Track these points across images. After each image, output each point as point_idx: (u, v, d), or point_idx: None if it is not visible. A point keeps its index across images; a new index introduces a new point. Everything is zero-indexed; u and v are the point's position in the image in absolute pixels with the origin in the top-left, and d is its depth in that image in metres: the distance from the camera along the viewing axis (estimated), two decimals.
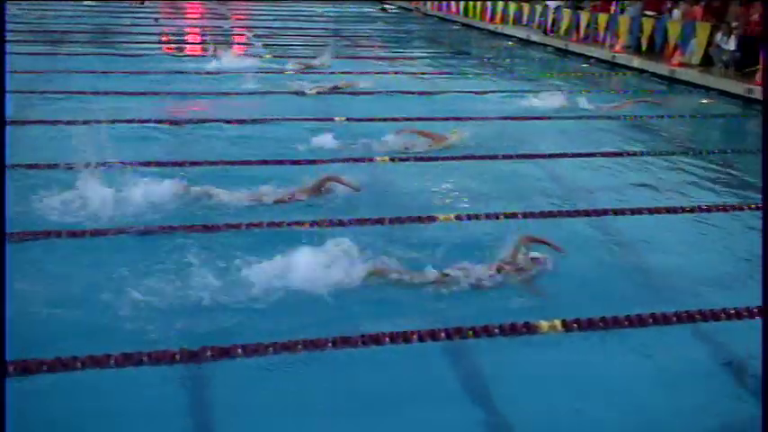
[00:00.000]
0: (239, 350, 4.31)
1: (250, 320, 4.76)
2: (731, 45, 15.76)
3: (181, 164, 7.93)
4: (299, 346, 4.36)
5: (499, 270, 5.36)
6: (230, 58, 15.92)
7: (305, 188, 7.15)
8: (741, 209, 7.34)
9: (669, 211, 7.19)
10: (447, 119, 10.88)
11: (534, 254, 5.62)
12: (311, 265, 5.26)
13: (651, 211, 7.13)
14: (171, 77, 13.79)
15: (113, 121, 9.40)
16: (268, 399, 4.05)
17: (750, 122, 12.73)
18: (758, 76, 14.28)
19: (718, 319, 4.93)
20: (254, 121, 10.33)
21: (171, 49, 19.96)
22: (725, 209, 7.36)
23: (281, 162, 8.23)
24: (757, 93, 13.71)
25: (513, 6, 26.34)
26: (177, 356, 4.25)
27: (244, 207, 6.76)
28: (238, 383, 4.20)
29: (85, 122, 8.94)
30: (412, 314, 4.92)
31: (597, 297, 5.29)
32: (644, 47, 18.53)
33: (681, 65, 16.48)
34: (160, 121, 10.10)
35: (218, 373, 4.25)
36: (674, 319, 4.87)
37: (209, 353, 4.27)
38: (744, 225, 6.99)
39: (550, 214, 6.87)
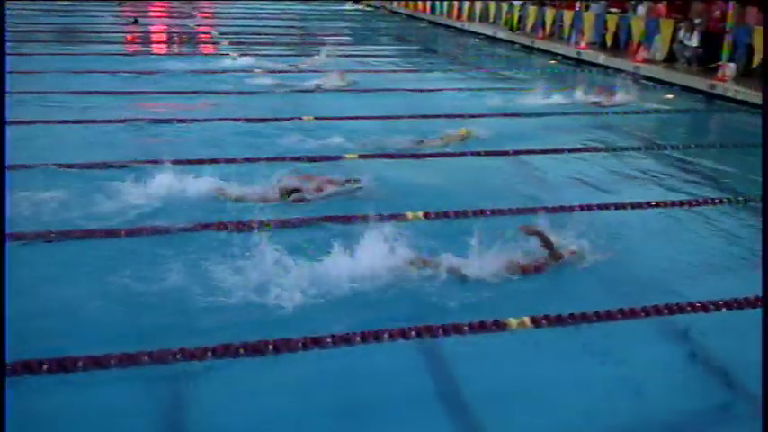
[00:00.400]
0: (209, 353, 4.28)
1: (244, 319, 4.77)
2: (694, 41, 15.98)
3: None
4: (270, 347, 4.35)
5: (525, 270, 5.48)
6: (203, 58, 15.93)
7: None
8: (706, 203, 7.44)
9: (635, 206, 7.26)
10: (417, 117, 10.98)
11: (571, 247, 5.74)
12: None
13: (617, 206, 7.21)
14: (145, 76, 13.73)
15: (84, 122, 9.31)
16: (238, 400, 4.03)
17: (713, 117, 12.93)
18: (720, 72, 14.50)
19: (684, 311, 4.99)
20: (221, 120, 10.29)
21: (137, 47, 19.79)
22: (690, 204, 7.44)
23: (257, 160, 8.21)
24: (720, 89, 13.92)
25: (479, 4, 26.48)
26: (146, 358, 4.22)
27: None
28: (206, 385, 4.17)
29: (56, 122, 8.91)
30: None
31: (566, 292, 5.32)
32: (609, 43, 18.73)
33: (645, 61, 16.68)
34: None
35: (185, 374, 4.23)
36: (642, 313, 4.93)
37: (178, 355, 4.25)
38: (709, 220, 7.07)
39: (519, 211, 6.90)
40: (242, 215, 6.39)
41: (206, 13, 30.00)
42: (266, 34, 22.48)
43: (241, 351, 4.33)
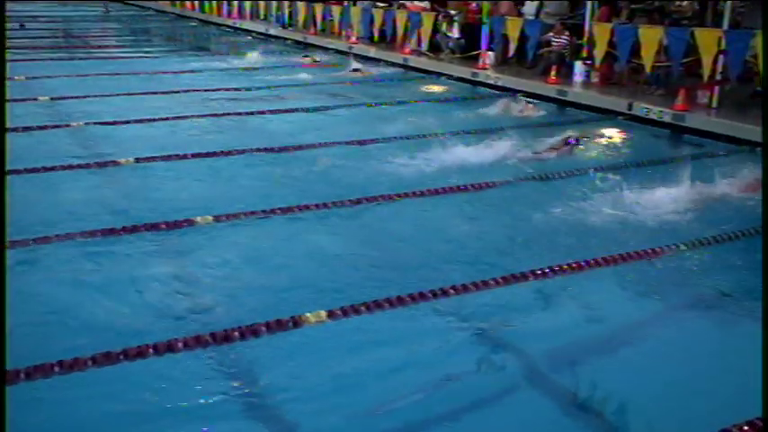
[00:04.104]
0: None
1: None
2: (455, 33, 16.94)
3: None
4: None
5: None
6: None
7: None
8: (485, 187, 7.84)
9: (416, 194, 7.51)
10: (194, 116, 10.83)
11: None
12: None
13: (400, 196, 7.44)
14: None
15: None
16: None
17: (476, 103, 13.68)
18: (481, 60, 15.51)
19: (458, 293, 5.23)
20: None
21: None
22: (477, 187, 7.80)
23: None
24: (482, 76, 14.89)
25: (248, 4, 26.37)
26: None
27: None
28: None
29: None
30: None
31: (356, 283, 5.48)
32: (376, 37, 19.32)
33: (412, 52, 17.43)
34: None
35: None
36: (418, 297, 5.13)
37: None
38: (486, 203, 7.49)
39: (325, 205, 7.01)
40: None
41: None
42: (24, 38, 21.01)
43: None
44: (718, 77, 11.25)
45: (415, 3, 18.63)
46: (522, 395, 4.23)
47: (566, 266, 5.71)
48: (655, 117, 11.26)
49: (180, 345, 4.45)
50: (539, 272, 5.60)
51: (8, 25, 24.22)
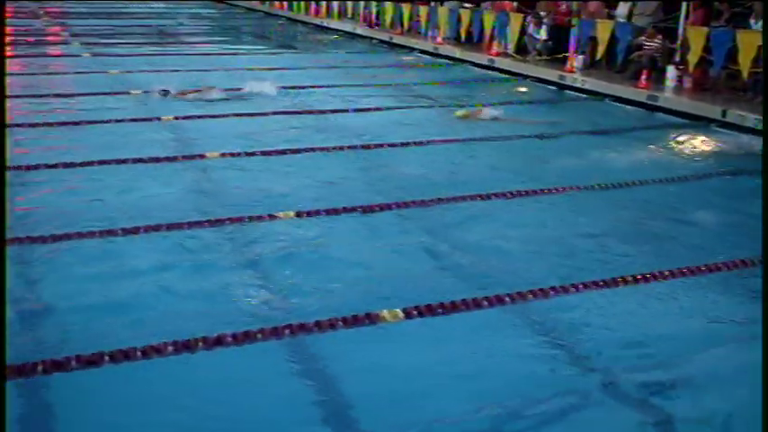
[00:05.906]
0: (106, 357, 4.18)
1: None
2: (543, 34, 16.67)
3: None
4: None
5: None
6: None
7: None
8: (550, 192, 7.71)
9: (493, 196, 7.42)
10: (294, 112, 11.02)
11: None
12: None
13: (483, 197, 7.35)
14: None
15: None
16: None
17: (562, 106, 13.47)
18: (569, 63, 15.22)
19: (537, 297, 5.17)
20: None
21: None
22: (536, 192, 7.66)
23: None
24: (569, 79, 14.61)
25: (336, 3, 26.60)
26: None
27: None
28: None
29: None
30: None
31: (431, 284, 5.44)
32: (463, 37, 19.22)
33: (498, 54, 17.24)
34: None
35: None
36: (485, 303, 5.05)
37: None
38: (560, 208, 7.34)
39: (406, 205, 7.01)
40: None
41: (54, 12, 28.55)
42: (121, 34, 21.75)
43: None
44: None
45: (505, 2, 18.41)
46: (600, 407, 4.09)
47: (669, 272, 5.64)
48: (751, 125, 10.82)
49: (258, 336, 4.51)
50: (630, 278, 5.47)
51: None
